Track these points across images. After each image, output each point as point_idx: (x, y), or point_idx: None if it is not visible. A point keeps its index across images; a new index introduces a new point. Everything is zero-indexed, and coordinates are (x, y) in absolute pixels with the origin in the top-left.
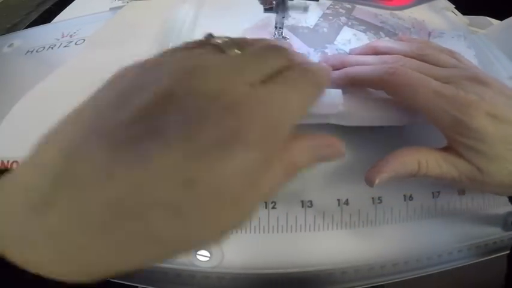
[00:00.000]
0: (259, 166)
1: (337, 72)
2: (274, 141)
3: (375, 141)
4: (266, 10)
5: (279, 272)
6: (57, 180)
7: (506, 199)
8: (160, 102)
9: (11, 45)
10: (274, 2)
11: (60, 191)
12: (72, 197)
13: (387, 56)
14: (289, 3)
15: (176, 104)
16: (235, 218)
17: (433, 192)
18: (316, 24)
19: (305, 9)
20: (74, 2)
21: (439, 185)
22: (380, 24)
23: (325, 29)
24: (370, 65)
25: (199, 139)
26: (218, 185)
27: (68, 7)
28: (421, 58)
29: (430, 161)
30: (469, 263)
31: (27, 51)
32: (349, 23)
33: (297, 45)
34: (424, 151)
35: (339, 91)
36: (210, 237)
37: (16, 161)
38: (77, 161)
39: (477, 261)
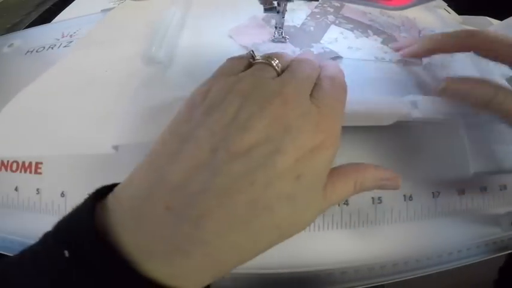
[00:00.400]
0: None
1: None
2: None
3: (374, 140)
4: (266, 10)
5: (279, 272)
6: (208, 192)
7: (507, 199)
8: (269, 128)
9: (11, 45)
10: (274, 2)
11: (211, 200)
12: (221, 204)
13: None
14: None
15: (278, 127)
16: (327, 201)
17: (433, 192)
18: (303, 23)
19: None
20: (74, 2)
21: (438, 185)
22: (368, 23)
23: (312, 28)
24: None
25: (304, 147)
26: (315, 176)
27: (68, 7)
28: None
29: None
30: (469, 263)
31: (27, 51)
32: (337, 22)
33: (283, 44)
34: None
35: None
36: (312, 218)
37: (16, 161)
38: (220, 175)
39: (477, 261)
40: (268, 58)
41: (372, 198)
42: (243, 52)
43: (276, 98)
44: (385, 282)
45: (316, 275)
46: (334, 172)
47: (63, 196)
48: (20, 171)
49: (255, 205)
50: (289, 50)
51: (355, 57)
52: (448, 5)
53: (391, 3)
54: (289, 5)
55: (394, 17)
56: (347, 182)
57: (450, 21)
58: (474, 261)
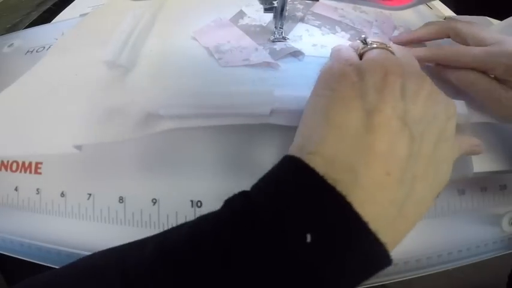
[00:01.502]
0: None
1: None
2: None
3: None
4: (266, 10)
5: None
6: (413, 156)
7: (507, 199)
8: (428, 101)
9: (11, 45)
10: (274, 2)
11: (417, 163)
12: (423, 165)
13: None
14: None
15: (433, 100)
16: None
17: None
18: (270, 22)
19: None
20: (73, 2)
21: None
22: (338, 19)
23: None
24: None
25: (449, 115)
26: (453, 138)
27: (67, 7)
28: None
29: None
30: (469, 263)
31: (27, 51)
32: (305, 19)
33: (246, 43)
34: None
35: (271, 92)
36: (437, 192)
37: (16, 161)
38: (415, 139)
39: (477, 261)
40: (379, 43)
41: None
42: (205, 53)
43: (426, 78)
44: (385, 282)
45: None
46: None
47: (63, 196)
48: (20, 171)
49: (437, 165)
50: (252, 47)
51: (319, 54)
52: (448, 5)
53: (391, 3)
54: (259, 5)
55: (368, 13)
56: (457, 146)
57: (430, 17)
58: (474, 261)
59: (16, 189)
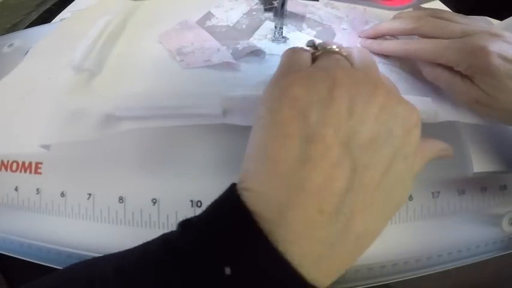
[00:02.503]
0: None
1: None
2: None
3: None
4: (266, 10)
5: None
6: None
7: (507, 199)
8: (381, 117)
9: (11, 45)
10: (274, 2)
11: (357, 196)
12: (366, 197)
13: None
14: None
15: (388, 114)
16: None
17: (432, 192)
18: (237, 22)
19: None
20: (73, 2)
21: (438, 185)
22: (308, 15)
23: (244, 26)
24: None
25: (407, 129)
26: (413, 154)
27: (67, 7)
28: (438, 17)
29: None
30: (468, 263)
31: (27, 51)
32: (272, 17)
33: (209, 44)
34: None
35: (221, 92)
36: (410, 192)
37: (16, 161)
38: (358, 169)
39: (477, 261)
40: (331, 47)
41: None
42: (170, 57)
43: (379, 89)
44: (385, 282)
45: None
46: None
47: (63, 196)
48: (20, 171)
49: (386, 191)
50: (215, 48)
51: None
52: (448, 5)
53: (391, 3)
54: (228, 5)
55: (340, 8)
56: (422, 155)
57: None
58: (474, 261)
59: (16, 189)
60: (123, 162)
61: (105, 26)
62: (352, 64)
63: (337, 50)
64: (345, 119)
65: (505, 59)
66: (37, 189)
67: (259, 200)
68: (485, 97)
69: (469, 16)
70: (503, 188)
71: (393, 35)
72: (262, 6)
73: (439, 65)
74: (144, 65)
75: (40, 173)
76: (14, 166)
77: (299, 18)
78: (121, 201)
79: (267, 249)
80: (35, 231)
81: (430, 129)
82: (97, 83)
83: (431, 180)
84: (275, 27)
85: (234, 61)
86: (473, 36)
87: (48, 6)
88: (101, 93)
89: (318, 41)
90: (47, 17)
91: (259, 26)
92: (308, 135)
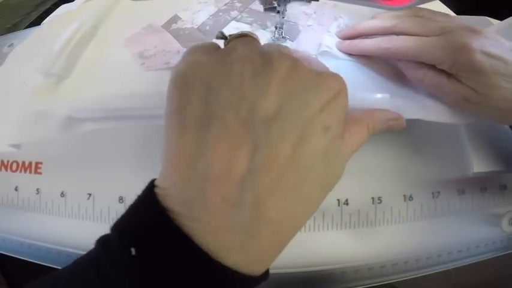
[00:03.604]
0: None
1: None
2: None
3: (374, 141)
4: (266, 10)
5: (278, 272)
6: (256, 171)
7: (506, 199)
8: (289, 88)
9: (11, 45)
10: (274, 2)
11: (262, 177)
12: (273, 178)
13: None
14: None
15: (297, 85)
16: (349, 149)
17: (433, 192)
18: (202, 23)
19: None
20: (73, 2)
21: (438, 185)
22: (274, 13)
23: (207, 27)
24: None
25: (325, 98)
26: (338, 125)
27: (58, 8)
28: (416, 15)
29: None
30: (468, 263)
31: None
32: (239, 17)
33: (171, 47)
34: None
35: (162, 94)
36: (342, 169)
37: (16, 161)
38: (260, 148)
39: (477, 261)
40: (243, 32)
41: (372, 198)
42: (134, 61)
43: (283, 59)
44: (385, 282)
45: (316, 275)
46: (348, 119)
47: (63, 196)
48: (20, 171)
49: (300, 169)
50: (175, 50)
51: None
52: (448, 5)
53: (391, 3)
54: (197, 8)
55: (309, 4)
56: (361, 126)
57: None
58: (474, 261)
59: (16, 189)
60: (123, 162)
61: (75, 31)
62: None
63: (246, 33)
64: (244, 95)
65: (488, 54)
66: (37, 189)
67: (169, 196)
68: (475, 96)
69: (469, 16)
70: (503, 188)
71: (371, 35)
72: (232, 5)
73: (423, 65)
74: (109, 69)
75: (40, 173)
76: (14, 166)
77: (266, 16)
78: (121, 201)
79: (180, 241)
80: (35, 231)
81: (430, 129)
82: (64, 86)
83: (431, 180)
84: (275, 27)
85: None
86: (454, 32)
87: (48, 6)
88: (65, 96)
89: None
90: (46, 17)
91: (224, 26)
92: (205, 119)
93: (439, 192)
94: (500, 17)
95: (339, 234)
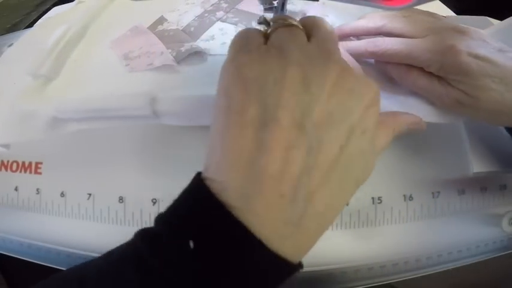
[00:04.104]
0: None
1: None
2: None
3: None
4: (266, 10)
5: None
6: (310, 170)
7: (506, 199)
8: (337, 95)
9: (11, 45)
10: (274, 2)
11: (315, 176)
12: (323, 176)
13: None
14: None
15: (343, 91)
16: (379, 149)
17: (433, 192)
18: (187, 25)
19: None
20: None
21: (438, 185)
22: (260, 13)
23: (192, 29)
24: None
25: (365, 105)
26: (374, 128)
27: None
28: (403, 15)
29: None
30: (468, 263)
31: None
32: (224, 17)
33: (156, 48)
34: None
35: (144, 95)
36: (373, 165)
37: (16, 161)
38: (313, 149)
39: (477, 261)
40: (286, 21)
41: (372, 198)
42: (119, 62)
43: (333, 65)
44: (385, 282)
45: (316, 275)
46: None
47: (63, 196)
48: (20, 171)
49: (344, 167)
50: (159, 51)
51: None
52: (448, 5)
53: (391, 3)
54: (183, 9)
55: (296, 4)
56: (388, 129)
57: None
58: (474, 261)
59: (16, 189)
60: (123, 162)
61: (63, 33)
62: (309, 36)
63: (291, 23)
64: (299, 99)
65: (475, 56)
66: (37, 189)
67: (223, 190)
68: (466, 98)
69: (469, 16)
70: (503, 188)
71: (357, 36)
72: (215, 8)
73: (412, 69)
74: (95, 70)
75: (40, 173)
76: (14, 166)
77: (250, 16)
78: (121, 201)
79: (239, 233)
80: (35, 231)
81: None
82: (52, 87)
83: (431, 180)
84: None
85: (174, 63)
86: (441, 34)
87: (48, 6)
88: (52, 96)
89: (270, 17)
90: None
91: (209, 27)
92: (263, 120)
93: (439, 192)
94: (500, 17)
95: (339, 234)
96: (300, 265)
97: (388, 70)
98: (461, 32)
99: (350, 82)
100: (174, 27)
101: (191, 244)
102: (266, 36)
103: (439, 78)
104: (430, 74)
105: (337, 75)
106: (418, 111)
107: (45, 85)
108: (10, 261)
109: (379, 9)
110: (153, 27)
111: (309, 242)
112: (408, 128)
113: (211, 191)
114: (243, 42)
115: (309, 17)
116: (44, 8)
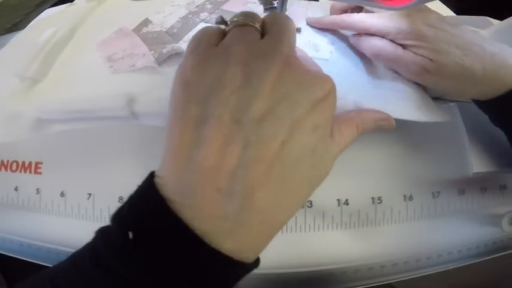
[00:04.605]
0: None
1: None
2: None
3: (374, 141)
4: (266, 10)
5: (279, 272)
6: (246, 165)
7: (506, 199)
8: (281, 89)
9: None
10: (274, 2)
11: (251, 171)
12: (262, 171)
13: None
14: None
15: (289, 85)
16: (338, 147)
17: (433, 192)
18: (170, 26)
19: None
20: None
21: (438, 185)
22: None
23: (175, 30)
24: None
25: (316, 98)
26: (327, 123)
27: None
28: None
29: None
30: (468, 263)
31: None
32: (208, 18)
33: (139, 50)
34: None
35: (122, 95)
36: (331, 165)
37: (16, 161)
38: (251, 145)
39: (477, 261)
40: (244, 19)
41: (372, 198)
42: (103, 64)
43: (277, 60)
44: (386, 282)
45: (316, 275)
46: (338, 119)
47: (63, 196)
48: (20, 171)
49: (288, 164)
50: (141, 53)
51: None
52: (448, 5)
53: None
54: (168, 11)
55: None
56: (351, 126)
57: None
58: (474, 261)
59: (16, 189)
60: (123, 162)
61: (51, 35)
62: (264, 33)
63: (244, 22)
64: (239, 95)
65: (430, 25)
66: (37, 189)
67: (164, 185)
68: (430, 64)
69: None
70: (503, 188)
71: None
72: (199, 10)
73: (376, 40)
74: (80, 72)
75: (40, 173)
76: (14, 166)
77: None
78: (121, 201)
79: (176, 226)
80: (35, 231)
81: (430, 129)
82: (38, 89)
83: (431, 180)
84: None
85: (155, 65)
86: (404, 12)
87: (48, 6)
88: (37, 98)
89: (232, 15)
90: None
91: (192, 29)
92: (202, 117)
93: (439, 192)
94: (500, 17)
95: (339, 234)
96: (253, 264)
97: (354, 43)
98: (421, 10)
99: (296, 75)
100: (158, 29)
101: (130, 235)
102: (225, 35)
103: (403, 47)
104: (394, 44)
105: (282, 69)
106: (403, 111)
107: (31, 87)
108: (10, 261)
109: (380, 10)
110: (137, 29)
111: (256, 240)
112: (376, 124)
113: (156, 187)
114: (194, 45)
115: (270, 14)
116: (44, 8)
